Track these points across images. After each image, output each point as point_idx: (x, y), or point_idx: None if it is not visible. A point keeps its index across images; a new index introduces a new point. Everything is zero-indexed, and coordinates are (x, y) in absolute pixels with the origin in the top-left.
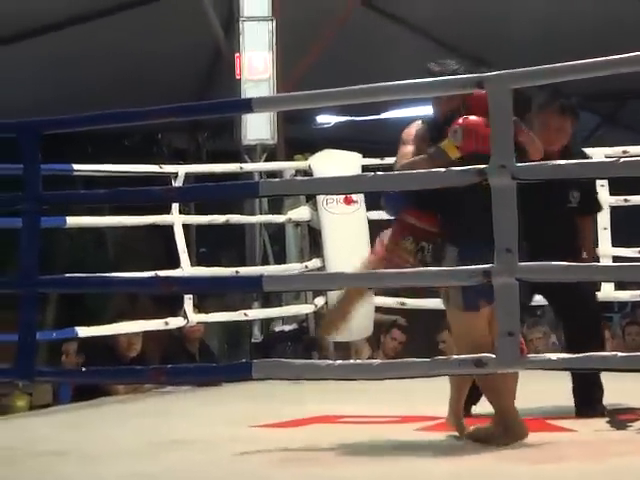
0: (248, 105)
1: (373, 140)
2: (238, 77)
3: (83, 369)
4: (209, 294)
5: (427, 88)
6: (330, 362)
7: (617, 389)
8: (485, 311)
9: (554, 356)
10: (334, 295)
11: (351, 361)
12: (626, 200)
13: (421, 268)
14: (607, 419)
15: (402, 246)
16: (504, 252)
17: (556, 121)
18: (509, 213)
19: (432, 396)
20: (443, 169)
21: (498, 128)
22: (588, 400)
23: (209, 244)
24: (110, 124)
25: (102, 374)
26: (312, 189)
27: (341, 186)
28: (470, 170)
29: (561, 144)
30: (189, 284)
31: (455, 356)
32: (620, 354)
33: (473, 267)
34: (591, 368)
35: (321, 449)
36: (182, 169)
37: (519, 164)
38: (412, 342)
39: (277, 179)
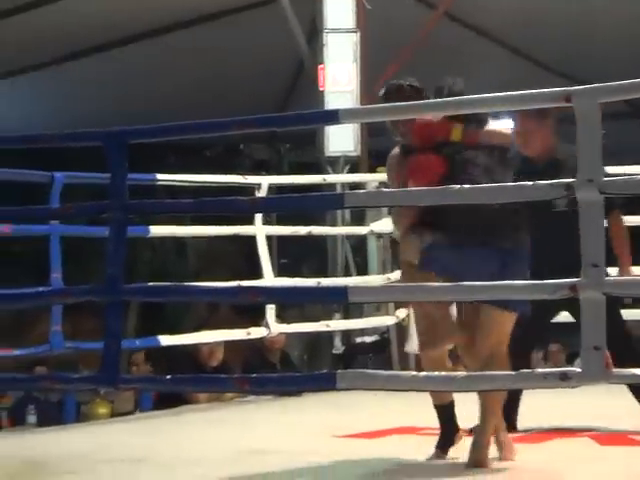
0: (335, 116)
1: None
2: (321, 88)
3: (168, 377)
4: (291, 305)
5: (515, 101)
6: (415, 374)
7: None
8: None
9: (639, 371)
10: None
11: (436, 373)
12: None
13: (503, 281)
14: None
15: None
16: (591, 267)
17: (522, 124)
18: (596, 228)
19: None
20: (530, 182)
21: (585, 142)
22: None
23: (290, 255)
24: (195, 134)
25: (186, 382)
26: (398, 201)
27: (427, 198)
28: (558, 184)
29: (536, 148)
30: (274, 294)
31: (540, 369)
32: None
33: (559, 281)
34: None
35: (402, 461)
36: (265, 180)
37: (606, 179)
38: None
39: (362, 190)
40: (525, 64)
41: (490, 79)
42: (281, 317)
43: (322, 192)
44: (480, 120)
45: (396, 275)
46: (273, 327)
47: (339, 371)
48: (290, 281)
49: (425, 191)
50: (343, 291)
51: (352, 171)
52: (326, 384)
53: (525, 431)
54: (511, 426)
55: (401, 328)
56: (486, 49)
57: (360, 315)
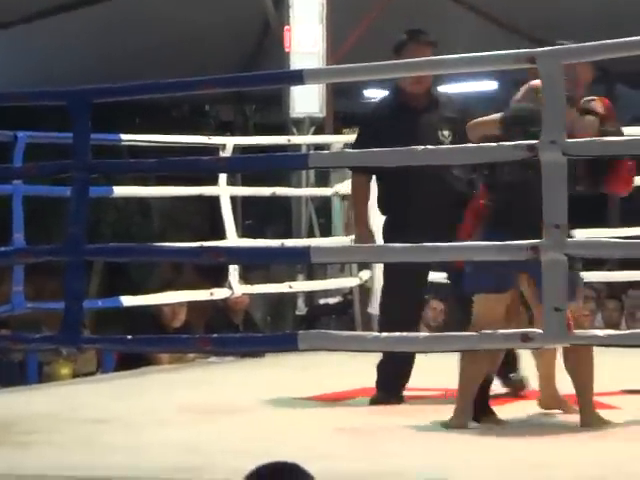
0: (299, 76)
1: None
2: (287, 50)
3: (129, 337)
4: (254, 266)
5: (479, 63)
6: (376, 334)
7: None
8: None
9: (601, 332)
10: None
11: (397, 334)
12: None
13: (471, 242)
14: None
15: None
16: (553, 228)
17: (420, 55)
18: (559, 189)
19: None
20: (494, 144)
21: (549, 103)
22: None
23: (255, 217)
24: (159, 94)
25: (148, 343)
26: (362, 161)
27: (392, 159)
28: (521, 145)
29: (428, 82)
30: (237, 254)
31: (502, 330)
32: None
33: (521, 242)
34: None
35: (365, 421)
36: (230, 141)
37: (569, 140)
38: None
39: (326, 151)
40: (494, 28)
41: (459, 43)
42: (245, 278)
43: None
44: None
45: None
46: (236, 288)
47: (300, 332)
48: (253, 242)
49: (390, 152)
50: (306, 251)
51: (317, 133)
52: (287, 345)
53: None
54: (397, 396)
55: (364, 290)
56: (453, 12)
57: (324, 277)
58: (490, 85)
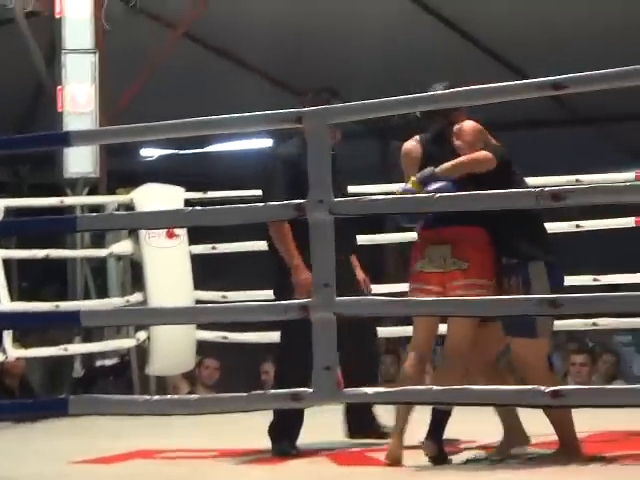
0: (66, 139)
1: (197, 173)
2: (60, 110)
3: None
4: (29, 329)
5: (248, 122)
6: (148, 397)
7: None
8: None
9: (371, 390)
10: None
11: (169, 396)
12: None
13: (242, 303)
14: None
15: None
16: (322, 287)
17: None
18: (327, 248)
19: (252, 429)
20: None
21: (316, 163)
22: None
23: (31, 278)
24: None
25: None
26: (131, 224)
27: (160, 220)
28: (289, 205)
29: (338, 138)
30: (6, 319)
31: (272, 390)
32: (436, 388)
33: (290, 302)
34: (408, 402)
35: None
36: (1, 203)
37: (336, 199)
38: (234, 375)
39: (95, 214)
40: (266, 84)
41: (236, 100)
42: (22, 341)
43: (59, 215)
44: None
45: (136, 297)
46: (10, 352)
47: (71, 397)
48: (26, 305)
49: (155, 213)
50: (76, 315)
51: (91, 193)
52: (58, 410)
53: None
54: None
55: (142, 350)
56: (228, 69)
57: (100, 338)
58: (267, 142)
